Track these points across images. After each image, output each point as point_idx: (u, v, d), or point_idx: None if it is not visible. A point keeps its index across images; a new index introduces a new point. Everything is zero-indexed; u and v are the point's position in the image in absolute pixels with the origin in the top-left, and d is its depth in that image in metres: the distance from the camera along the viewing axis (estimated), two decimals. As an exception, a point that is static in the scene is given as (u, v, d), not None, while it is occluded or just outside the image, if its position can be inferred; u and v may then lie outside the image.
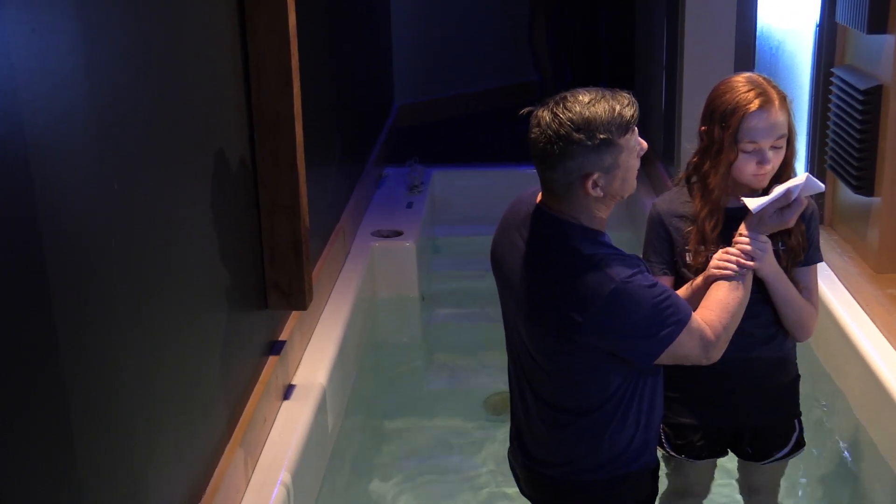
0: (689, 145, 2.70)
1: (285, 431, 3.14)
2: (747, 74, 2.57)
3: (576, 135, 2.21)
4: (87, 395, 1.91)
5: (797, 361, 2.77)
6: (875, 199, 3.97)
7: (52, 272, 1.77)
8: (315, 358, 3.66)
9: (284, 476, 2.91)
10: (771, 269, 2.54)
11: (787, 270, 2.59)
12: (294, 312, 3.51)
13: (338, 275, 4.44)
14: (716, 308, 2.42)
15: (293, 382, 3.45)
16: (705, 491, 2.94)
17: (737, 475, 2.95)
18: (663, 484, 2.77)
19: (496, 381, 4.10)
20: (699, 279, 2.55)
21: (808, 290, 2.63)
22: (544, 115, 2.26)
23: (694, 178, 2.63)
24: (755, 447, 2.77)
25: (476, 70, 8.05)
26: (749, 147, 2.49)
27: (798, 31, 4.67)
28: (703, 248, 2.57)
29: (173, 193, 2.44)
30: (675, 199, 2.67)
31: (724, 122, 2.49)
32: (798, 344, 2.74)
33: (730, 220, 2.56)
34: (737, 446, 2.81)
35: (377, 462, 3.82)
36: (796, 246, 2.60)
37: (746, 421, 2.74)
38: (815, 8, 4.41)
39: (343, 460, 3.67)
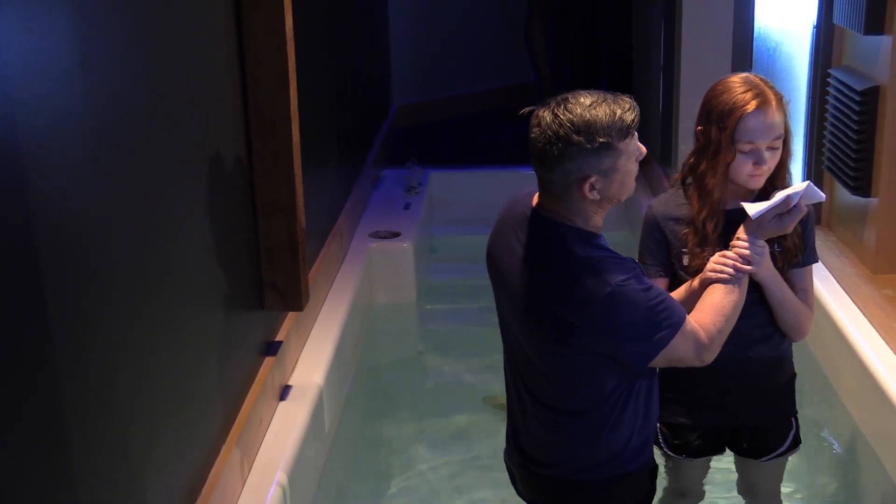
0: (685, 147, 2.70)
1: (282, 432, 3.13)
2: (744, 75, 2.57)
3: (575, 137, 2.21)
4: (84, 395, 1.91)
5: (794, 361, 2.77)
6: (872, 200, 3.97)
7: (49, 273, 1.77)
8: (312, 358, 3.67)
9: (280, 476, 2.91)
10: (767, 272, 2.54)
11: (782, 272, 2.59)
12: (291, 313, 3.51)
13: (335, 276, 4.44)
14: (711, 311, 2.42)
15: (290, 383, 3.45)
16: (701, 490, 2.94)
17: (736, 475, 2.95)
18: (661, 484, 2.77)
19: (494, 380, 4.10)
20: (696, 281, 2.55)
21: (804, 292, 2.64)
22: (545, 115, 2.25)
23: (689, 180, 2.63)
24: (752, 445, 2.78)
25: (474, 71, 8.05)
26: (746, 147, 2.49)
27: (795, 32, 4.67)
28: (699, 249, 2.57)
29: (170, 193, 2.44)
30: (670, 202, 2.67)
31: (721, 122, 2.50)
32: (795, 344, 2.74)
33: (728, 223, 2.57)
34: (734, 444, 2.81)
35: (374, 462, 3.82)
36: (792, 247, 2.60)
37: (744, 420, 2.75)
38: (812, 9, 4.42)
39: (339, 461, 3.67)
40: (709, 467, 2.91)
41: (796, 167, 4.52)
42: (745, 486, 2.91)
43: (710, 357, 2.40)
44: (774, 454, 2.77)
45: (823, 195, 2.51)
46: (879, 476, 3.33)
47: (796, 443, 2.79)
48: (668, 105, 5.26)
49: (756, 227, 2.48)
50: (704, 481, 2.95)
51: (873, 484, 3.39)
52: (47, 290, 1.76)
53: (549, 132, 2.23)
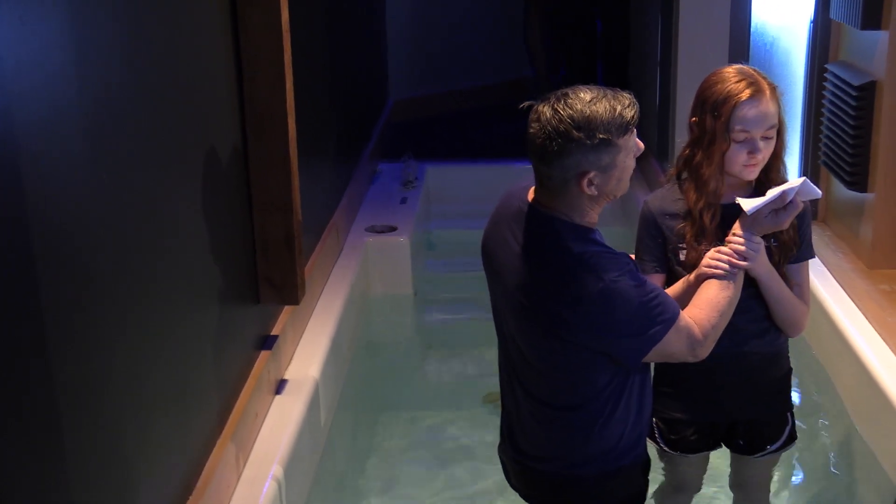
0: (682, 141, 2.70)
1: (277, 426, 3.14)
2: (738, 66, 2.57)
3: (575, 133, 2.20)
4: (79, 389, 1.91)
5: (790, 356, 2.77)
6: (868, 195, 3.97)
7: (44, 268, 1.77)
8: (307, 352, 3.67)
9: (276, 470, 2.91)
10: (763, 268, 2.54)
11: (778, 266, 2.59)
12: (287, 307, 3.51)
13: (331, 270, 4.44)
14: (705, 306, 2.42)
15: (285, 377, 3.45)
16: (699, 484, 2.94)
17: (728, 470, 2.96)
18: (655, 480, 2.77)
19: (490, 374, 4.09)
20: (693, 276, 2.55)
21: (800, 287, 2.64)
22: (545, 110, 2.25)
23: (685, 174, 2.63)
24: (748, 440, 2.78)
25: (471, 66, 8.05)
26: (741, 136, 2.49)
27: (792, 27, 4.67)
28: (697, 243, 2.57)
29: (166, 189, 2.44)
30: (666, 197, 2.67)
31: (715, 111, 2.50)
32: (791, 339, 2.74)
33: (724, 218, 2.56)
34: (730, 440, 2.81)
35: (369, 457, 3.82)
36: (788, 241, 2.60)
37: (739, 416, 2.75)
38: (809, 4, 4.42)
39: (335, 455, 3.67)
40: (707, 462, 2.91)
41: (792, 162, 4.52)
42: (737, 481, 2.91)
43: (703, 352, 2.40)
44: (770, 450, 2.77)
45: (820, 191, 2.51)
46: (875, 470, 3.33)
47: (792, 438, 2.79)
48: (665, 100, 5.27)
49: (752, 222, 2.48)
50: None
51: (867, 478, 3.40)
52: (42, 284, 1.76)
53: (548, 127, 2.23)
